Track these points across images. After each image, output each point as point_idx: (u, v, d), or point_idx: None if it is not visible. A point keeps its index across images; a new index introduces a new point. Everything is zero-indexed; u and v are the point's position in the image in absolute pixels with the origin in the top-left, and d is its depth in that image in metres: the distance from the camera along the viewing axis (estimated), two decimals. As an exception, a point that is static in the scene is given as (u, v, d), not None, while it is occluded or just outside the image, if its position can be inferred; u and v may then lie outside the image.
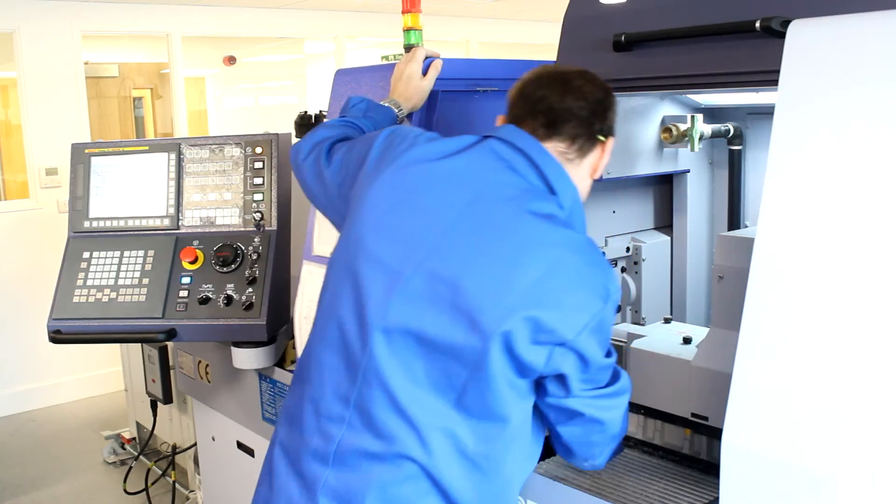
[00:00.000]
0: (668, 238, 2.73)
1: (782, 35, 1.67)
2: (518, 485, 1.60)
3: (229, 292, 2.56)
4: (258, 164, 2.71)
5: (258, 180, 2.68)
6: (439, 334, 1.43)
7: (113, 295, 2.64)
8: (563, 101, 1.57)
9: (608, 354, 1.50)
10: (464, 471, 1.45)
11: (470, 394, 1.43)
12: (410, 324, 1.45)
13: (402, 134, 1.67)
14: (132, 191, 2.79)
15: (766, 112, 2.41)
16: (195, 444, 3.38)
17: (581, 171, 1.60)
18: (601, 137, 1.60)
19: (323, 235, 2.22)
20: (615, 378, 1.53)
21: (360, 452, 1.46)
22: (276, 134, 2.79)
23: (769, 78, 1.75)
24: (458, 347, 1.41)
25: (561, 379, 1.45)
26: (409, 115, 2.11)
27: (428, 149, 1.59)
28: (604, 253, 2.56)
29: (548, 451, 2.34)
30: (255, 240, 2.63)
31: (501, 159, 1.54)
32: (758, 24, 1.71)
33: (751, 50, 1.77)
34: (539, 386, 1.49)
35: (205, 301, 2.55)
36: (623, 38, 1.93)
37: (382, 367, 1.45)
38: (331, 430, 1.50)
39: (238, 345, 2.57)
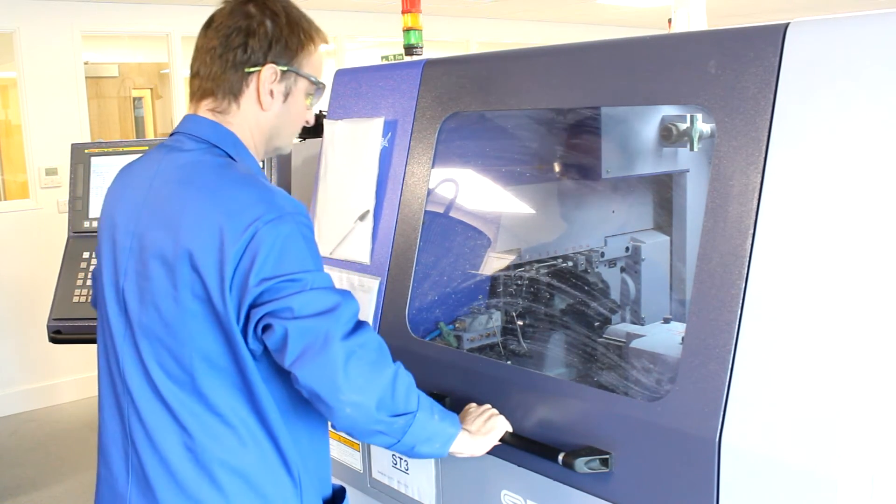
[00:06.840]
0: (668, 238, 2.72)
1: None
2: None
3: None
4: (258, 164, 2.71)
5: (258, 180, 2.68)
6: None
7: (113, 295, 2.63)
8: (195, 60, 1.61)
9: None
10: None
11: None
12: None
13: None
14: (132, 191, 2.79)
15: (766, 112, 2.40)
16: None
17: (244, 111, 1.56)
18: (249, 69, 1.55)
19: (323, 235, 2.22)
20: None
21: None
22: (276, 134, 2.78)
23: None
24: None
25: None
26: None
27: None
28: (602, 254, 2.56)
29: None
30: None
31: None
32: None
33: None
34: None
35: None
36: None
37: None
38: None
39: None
